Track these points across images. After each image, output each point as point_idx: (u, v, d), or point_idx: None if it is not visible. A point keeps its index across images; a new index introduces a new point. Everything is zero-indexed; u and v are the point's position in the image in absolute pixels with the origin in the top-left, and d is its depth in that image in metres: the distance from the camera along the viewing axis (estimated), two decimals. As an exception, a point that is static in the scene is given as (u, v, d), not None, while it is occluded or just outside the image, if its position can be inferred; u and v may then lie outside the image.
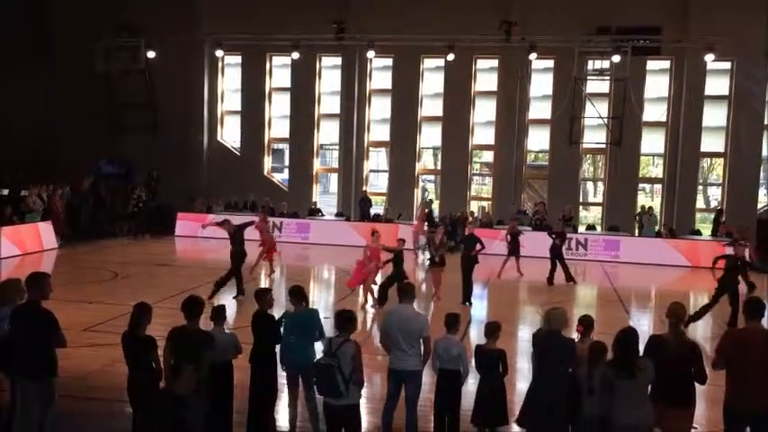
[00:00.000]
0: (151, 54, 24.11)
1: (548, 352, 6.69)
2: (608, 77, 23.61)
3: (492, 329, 7.28)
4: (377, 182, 27.46)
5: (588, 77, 23.79)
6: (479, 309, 14.71)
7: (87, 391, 8.71)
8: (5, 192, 21.45)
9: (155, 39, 23.81)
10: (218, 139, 26.67)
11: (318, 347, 7.23)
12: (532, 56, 22.62)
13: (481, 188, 27.09)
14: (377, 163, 27.69)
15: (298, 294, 7.60)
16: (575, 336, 7.01)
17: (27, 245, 19.02)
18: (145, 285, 15.18)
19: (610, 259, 21.11)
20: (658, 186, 25.62)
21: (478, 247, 14.73)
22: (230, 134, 26.92)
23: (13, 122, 23.95)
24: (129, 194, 24.07)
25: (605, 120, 23.71)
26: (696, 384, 6.38)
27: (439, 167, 26.14)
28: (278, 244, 22.24)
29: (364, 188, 25.38)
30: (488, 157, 26.12)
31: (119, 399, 7.46)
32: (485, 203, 25.85)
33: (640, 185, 25.56)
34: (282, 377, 7.64)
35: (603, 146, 24.35)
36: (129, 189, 24.38)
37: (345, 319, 6.65)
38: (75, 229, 21.83)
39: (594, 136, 24.49)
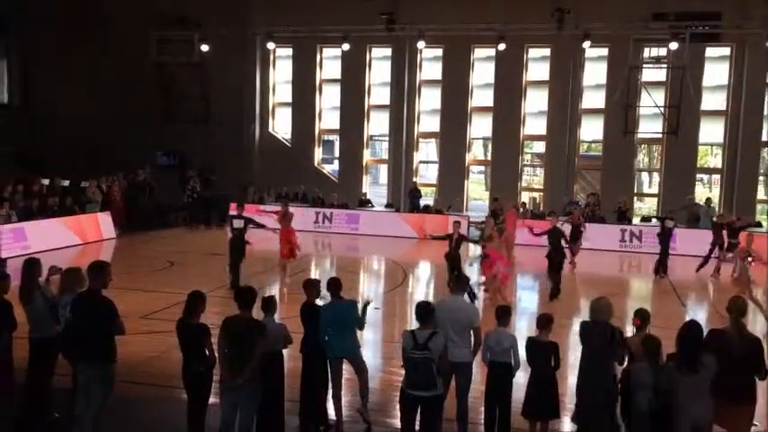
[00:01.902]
0: (205, 47, 24.52)
1: (592, 343, 6.64)
2: (665, 65, 23.00)
3: (544, 322, 7.19)
4: (426, 173, 27.39)
5: (644, 65, 23.20)
6: (531, 301, 14.57)
7: (144, 377, 8.95)
8: (66, 183, 22.10)
9: (208, 32, 24.21)
10: (270, 130, 26.97)
11: (367, 337, 7.26)
12: (586, 44, 22.17)
13: (532, 179, 26.75)
14: (426, 154, 27.60)
15: (333, 286, 7.69)
16: (630, 329, 6.89)
17: (87, 234, 19.62)
18: (199, 274, 15.48)
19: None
20: (717, 177, 24.88)
21: (563, 242, 14.44)
22: (281, 125, 27.20)
23: (72, 113, 24.64)
24: (183, 185, 24.56)
25: (662, 109, 23.10)
26: (757, 381, 6.21)
27: (489, 158, 25.92)
28: (328, 235, 22.57)
29: (414, 179, 25.34)
30: (540, 147, 25.77)
31: (174, 385, 7.65)
32: (536, 194, 25.54)
33: (698, 176, 24.87)
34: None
35: (659, 135, 23.74)
36: (183, 180, 24.89)
37: (426, 311, 6.67)
38: (133, 220, 22.35)
39: (650, 125, 23.90)
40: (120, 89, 25.02)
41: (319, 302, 7.73)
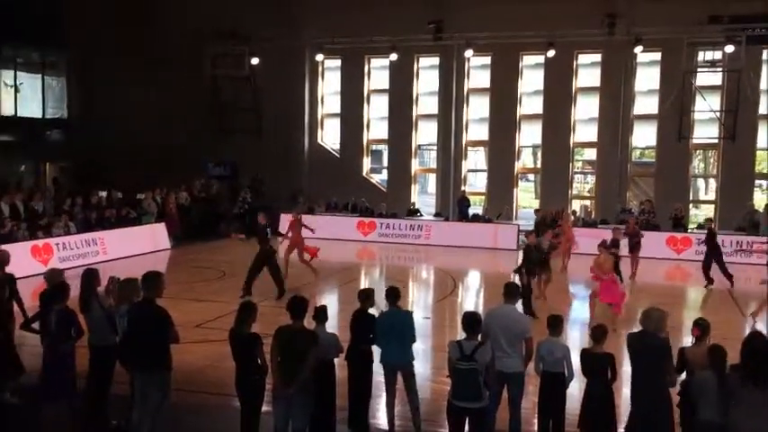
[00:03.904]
0: (255, 60, 24.96)
1: (639, 354, 6.51)
2: (720, 69, 22.43)
3: (599, 333, 7.06)
4: (475, 181, 27.23)
5: (698, 70, 22.67)
6: (583, 310, 14.30)
7: (198, 385, 9.09)
8: (122, 195, 22.66)
9: (258, 46, 24.64)
10: (319, 141, 27.22)
11: (416, 347, 7.25)
12: (638, 49, 21.76)
13: (583, 186, 26.35)
14: (475, 162, 27.45)
15: (392, 295, 7.72)
16: (689, 340, 6.71)
17: (142, 245, 20.06)
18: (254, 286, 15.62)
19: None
20: (777, 183, 24.12)
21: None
22: (330, 136, 27.44)
23: (128, 127, 25.31)
24: (235, 196, 24.95)
25: (717, 113, 22.52)
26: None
27: (539, 166, 25.63)
28: (376, 244, 22.59)
29: (462, 188, 25.22)
30: (591, 154, 25.38)
31: (228, 393, 7.75)
32: (587, 202, 25.14)
33: (756, 182, 24.08)
34: (380, 376, 7.73)
35: (716, 141, 23.13)
36: (235, 190, 25.29)
37: (473, 321, 6.63)
38: (187, 230, 22.74)
39: (706, 131, 23.30)
40: (175, 103, 25.61)
41: (372, 311, 7.75)
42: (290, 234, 16.09)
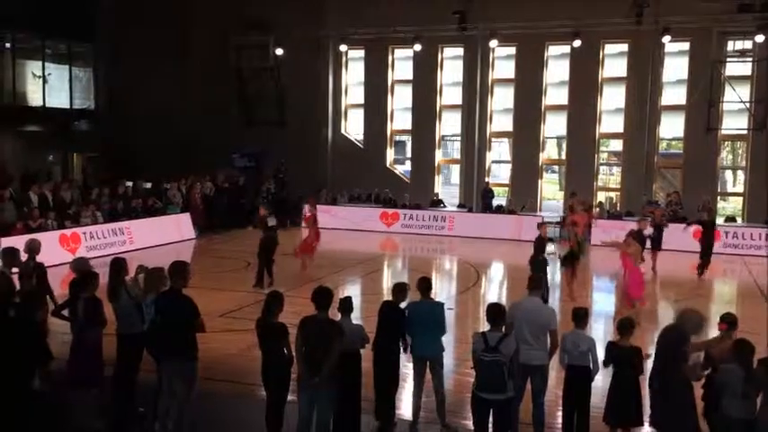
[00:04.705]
0: (279, 51, 25.03)
1: (663, 348, 6.52)
2: (750, 59, 22.03)
3: (627, 327, 7.00)
4: (499, 173, 27.08)
5: (728, 59, 22.29)
6: (608, 303, 14.21)
7: (224, 374, 9.18)
8: (149, 185, 22.89)
9: (282, 36, 24.66)
10: (342, 132, 27.23)
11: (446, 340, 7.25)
12: (666, 39, 21.45)
13: (609, 178, 26.08)
14: (499, 153, 27.28)
15: (423, 286, 7.71)
16: (715, 334, 6.65)
17: (167, 235, 20.25)
18: (275, 274, 15.72)
19: (753, 253, 19.70)
20: (808, 175, 23.61)
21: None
22: (354, 127, 27.43)
23: (154, 118, 25.53)
24: (259, 186, 25.06)
25: (747, 104, 22.15)
26: None
27: (563, 157, 25.41)
28: (400, 235, 22.59)
29: (486, 179, 25.10)
30: (617, 145, 25.11)
31: (253, 382, 7.81)
32: (612, 194, 24.89)
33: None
34: (407, 367, 7.73)
35: (745, 132, 22.76)
36: (259, 181, 25.39)
37: (497, 313, 6.62)
38: (212, 221, 22.89)
39: (735, 121, 22.92)
40: (200, 94, 25.76)
41: (402, 305, 7.74)
42: (305, 226, 16.14)
